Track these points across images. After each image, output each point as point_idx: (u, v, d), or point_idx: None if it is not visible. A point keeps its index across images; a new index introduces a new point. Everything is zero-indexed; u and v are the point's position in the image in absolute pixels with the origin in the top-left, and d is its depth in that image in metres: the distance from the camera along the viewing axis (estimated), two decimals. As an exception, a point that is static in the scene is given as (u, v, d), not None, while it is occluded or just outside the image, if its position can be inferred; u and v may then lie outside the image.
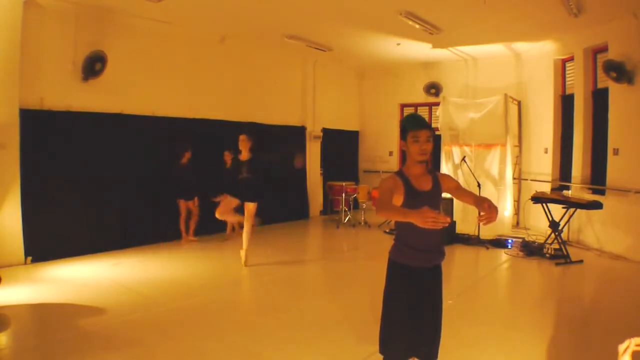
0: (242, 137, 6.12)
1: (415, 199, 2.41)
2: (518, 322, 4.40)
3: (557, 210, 6.81)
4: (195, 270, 6.18)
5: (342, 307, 4.74)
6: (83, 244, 6.67)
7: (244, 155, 6.12)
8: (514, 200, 9.19)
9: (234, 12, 7.35)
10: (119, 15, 7.12)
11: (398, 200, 2.44)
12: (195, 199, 7.59)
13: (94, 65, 6.66)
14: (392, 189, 2.42)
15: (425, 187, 2.49)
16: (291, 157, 10.45)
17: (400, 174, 2.51)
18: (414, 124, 2.47)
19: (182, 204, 7.58)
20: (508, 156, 8.45)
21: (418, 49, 9.60)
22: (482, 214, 2.31)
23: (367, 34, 8.64)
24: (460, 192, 2.61)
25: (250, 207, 6.10)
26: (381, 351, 2.57)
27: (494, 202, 2.39)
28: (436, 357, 2.57)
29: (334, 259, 7.36)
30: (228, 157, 7.60)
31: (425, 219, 2.03)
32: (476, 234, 7.87)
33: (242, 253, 6.19)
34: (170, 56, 8.00)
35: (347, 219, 9.70)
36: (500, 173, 8.50)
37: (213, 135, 8.44)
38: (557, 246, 6.75)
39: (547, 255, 6.78)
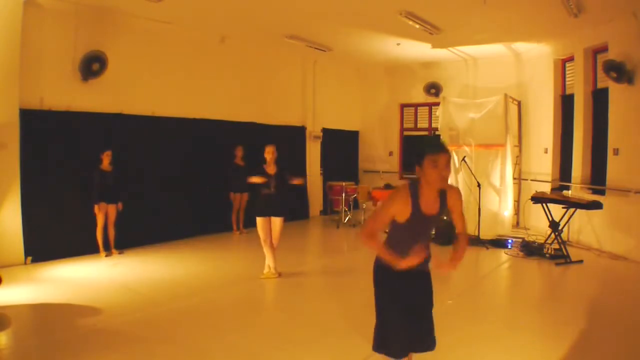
0: (269, 149, 5.64)
1: (419, 220, 2.45)
2: (518, 322, 4.41)
3: (557, 210, 6.81)
4: (195, 270, 6.18)
5: (342, 307, 4.74)
6: (83, 244, 6.66)
7: (271, 168, 5.64)
8: (514, 200, 9.17)
9: (234, 12, 7.35)
10: (119, 15, 7.11)
11: (403, 215, 2.44)
12: (119, 204, 6.67)
13: (90, 66, 6.65)
14: (395, 212, 2.44)
15: (432, 211, 2.46)
16: (291, 157, 10.43)
17: (413, 190, 2.43)
18: (433, 147, 2.34)
19: (101, 209, 6.52)
20: (508, 156, 8.43)
21: (418, 49, 9.60)
22: (449, 258, 2.48)
23: (367, 34, 8.64)
24: (457, 216, 2.61)
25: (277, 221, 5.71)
26: (375, 349, 2.65)
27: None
28: (434, 345, 2.62)
29: (334, 258, 7.36)
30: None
31: (398, 266, 2.38)
32: (476, 234, 7.85)
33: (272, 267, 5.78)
34: (170, 56, 8.00)
35: (347, 219, 9.70)
36: (501, 173, 8.48)
37: (213, 135, 8.45)
38: (557, 246, 6.75)
39: (547, 255, 6.78)
